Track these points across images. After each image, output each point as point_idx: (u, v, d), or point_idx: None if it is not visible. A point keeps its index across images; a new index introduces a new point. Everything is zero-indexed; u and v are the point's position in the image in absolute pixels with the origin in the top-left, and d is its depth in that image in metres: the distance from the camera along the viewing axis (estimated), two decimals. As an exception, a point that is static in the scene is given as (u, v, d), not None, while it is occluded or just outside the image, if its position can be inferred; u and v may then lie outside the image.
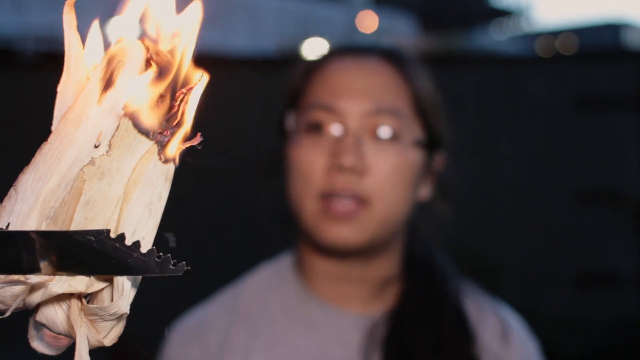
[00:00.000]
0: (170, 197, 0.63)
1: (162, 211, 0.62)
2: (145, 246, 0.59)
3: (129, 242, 0.58)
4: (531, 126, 5.52)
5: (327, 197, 1.51)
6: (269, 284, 1.70)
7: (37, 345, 0.66)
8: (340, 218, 1.51)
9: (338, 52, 1.67)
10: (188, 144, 0.62)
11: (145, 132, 0.61)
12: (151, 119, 0.62)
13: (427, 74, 1.68)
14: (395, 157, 1.55)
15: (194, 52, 0.65)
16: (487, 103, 5.63)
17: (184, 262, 0.58)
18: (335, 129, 1.55)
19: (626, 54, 8.08)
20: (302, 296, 1.65)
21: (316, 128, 1.56)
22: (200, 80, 0.63)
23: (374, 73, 1.61)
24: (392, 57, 1.64)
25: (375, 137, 1.55)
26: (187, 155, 0.64)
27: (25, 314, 0.65)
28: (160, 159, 0.62)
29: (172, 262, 0.58)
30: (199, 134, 0.63)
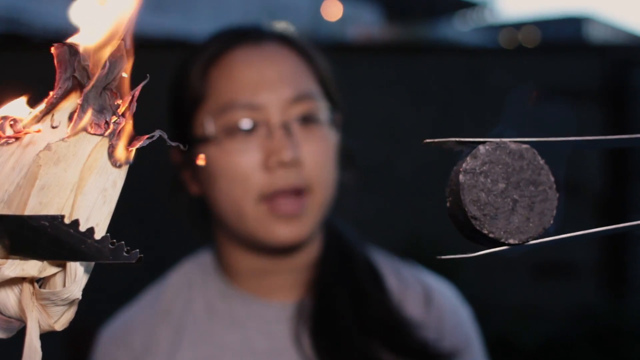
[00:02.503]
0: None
1: (117, 198, 0.62)
2: (99, 233, 0.59)
3: (83, 228, 0.58)
4: (493, 117, 5.55)
5: (271, 197, 1.49)
6: (190, 280, 1.67)
7: (-13, 327, 0.66)
8: (287, 215, 1.49)
9: (228, 41, 1.59)
10: (139, 143, 0.62)
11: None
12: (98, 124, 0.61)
13: (317, 49, 1.64)
14: (321, 140, 1.54)
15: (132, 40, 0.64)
16: (450, 93, 5.66)
17: (137, 250, 0.58)
18: (261, 126, 1.50)
19: (588, 47, 8.18)
20: (224, 291, 1.63)
21: (240, 129, 1.50)
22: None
23: (280, 60, 1.57)
24: (287, 40, 1.61)
25: (300, 124, 1.52)
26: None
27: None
28: (111, 162, 0.61)
29: (125, 250, 0.58)
30: (156, 132, 0.62)
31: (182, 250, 1.82)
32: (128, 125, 0.62)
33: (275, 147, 1.48)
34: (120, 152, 0.62)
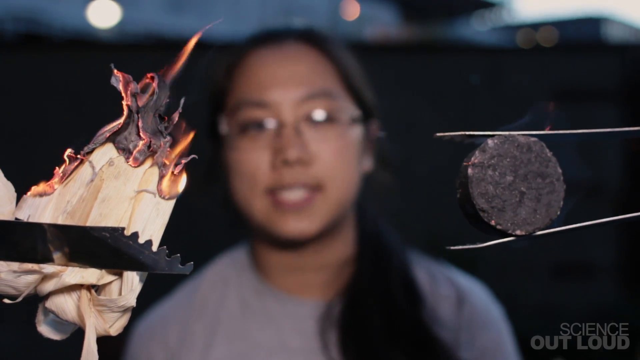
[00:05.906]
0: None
1: (170, 211, 0.65)
2: (154, 244, 0.63)
3: (140, 240, 0.61)
4: (511, 116, 5.54)
5: (275, 191, 1.50)
6: (225, 277, 1.69)
7: (43, 329, 0.69)
8: (293, 209, 1.50)
9: (253, 42, 1.62)
10: (181, 175, 0.66)
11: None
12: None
13: (345, 47, 1.65)
14: (336, 139, 1.54)
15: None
16: (468, 93, 5.66)
17: (192, 262, 0.62)
18: (270, 124, 1.52)
19: (606, 47, 8.14)
20: (258, 288, 1.65)
21: (250, 127, 1.52)
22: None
23: (296, 58, 1.58)
24: (310, 38, 1.61)
25: (312, 123, 1.52)
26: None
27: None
28: (157, 192, 0.65)
29: (180, 261, 0.62)
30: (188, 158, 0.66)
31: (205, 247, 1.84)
32: (174, 152, 0.66)
33: (282, 146, 1.49)
34: (166, 184, 0.65)
